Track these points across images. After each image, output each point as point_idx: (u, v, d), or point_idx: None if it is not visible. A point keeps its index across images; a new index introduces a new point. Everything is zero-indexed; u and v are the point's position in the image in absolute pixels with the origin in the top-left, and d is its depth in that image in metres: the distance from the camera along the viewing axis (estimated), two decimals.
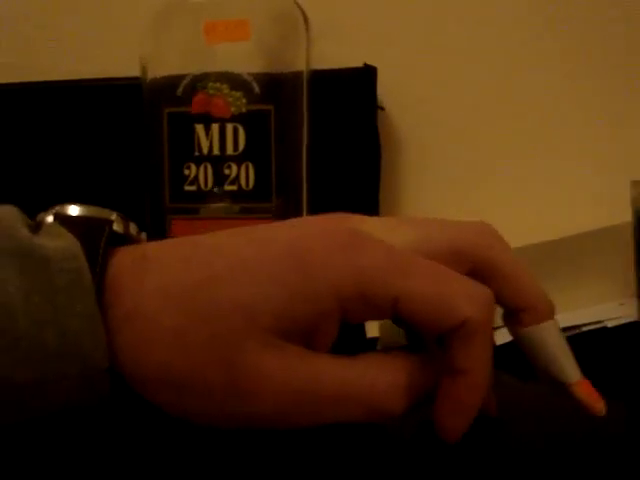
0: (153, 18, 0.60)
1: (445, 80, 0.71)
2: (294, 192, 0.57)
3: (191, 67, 0.57)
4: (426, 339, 0.29)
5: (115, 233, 0.30)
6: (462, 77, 0.71)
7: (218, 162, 0.55)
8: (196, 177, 0.56)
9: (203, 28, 0.56)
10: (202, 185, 0.56)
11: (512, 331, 0.30)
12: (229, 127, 0.55)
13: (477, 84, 0.71)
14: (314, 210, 0.60)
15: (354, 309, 0.26)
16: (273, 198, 0.56)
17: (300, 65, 0.58)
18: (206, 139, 0.55)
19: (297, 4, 0.59)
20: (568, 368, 0.29)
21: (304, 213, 0.57)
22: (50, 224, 0.29)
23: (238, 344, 0.26)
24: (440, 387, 0.27)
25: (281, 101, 0.56)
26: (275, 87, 0.56)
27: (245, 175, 0.55)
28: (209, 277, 0.27)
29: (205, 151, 0.56)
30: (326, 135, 0.65)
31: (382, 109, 0.68)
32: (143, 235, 0.32)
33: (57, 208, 0.30)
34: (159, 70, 0.58)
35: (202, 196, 0.56)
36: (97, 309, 0.27)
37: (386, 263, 0.26)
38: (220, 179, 0.55)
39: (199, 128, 0.56)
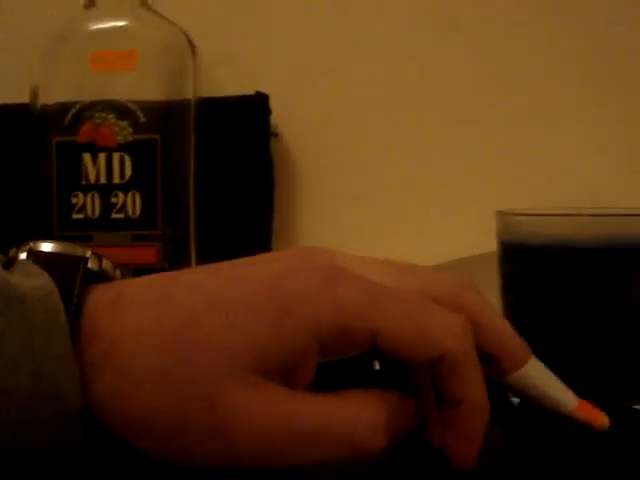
0: (44, 46, 0.60)
1: (339, 103, 0.74)
2: (182, 219, 0.58)
3: (79, 96, 0.57)
4: (406, 370, 0.30)
5: (90, 270, 0.29)
6: (356, 101, 0.73)
7: (105, 191, 0.56)
8: (84, 205, 0.56)
9: (90, 58, 0.57)
10: (90, 213, 0.56)
11: (497, 380, 0.30)
12: (115, 156, 0.56)
13: (371, 107, 0.73)
14: (204, 237, 0.62)
15: (333, 344, 0.26)
16: (159, 225, 0.56)
17: (187, 94, 0.59)
18: (93, 168, 0.56)
19: (185, 34, 0.60)
20: (562, 398, 0.30)
21: (192, 240, 0.58)
22: (24, 261, 0.28)
23: (220, 384, 0.26)
24: (445, 418, 0.28)
25: (168, 130, 0.57)
26: (161, 116, 0.57)
27: (132, 203, 0.56)
28: (188, 317, 0.26)
29: (92, 180, 0.56)
30: (220, 163, 0.66)
31: (275, 135, 0.69)
32: (118, 272, 0.32)
33: (30, 244, 0.29)
34: (48, 98, 0.59)
35: (90, 224, 0.56)
36: (72, 350, 0.26)
37: (364, 298, 0.26)
38: (107, 208, 0.56)
39: (86, 157, 0.56)
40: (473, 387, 0.27)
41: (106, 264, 0.31)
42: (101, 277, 0.30)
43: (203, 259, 0.60)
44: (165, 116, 0.58)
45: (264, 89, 0.69)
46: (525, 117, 0.72)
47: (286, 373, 0.26)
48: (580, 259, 0.35)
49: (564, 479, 0.31)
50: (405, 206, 0.71)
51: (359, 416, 0.26)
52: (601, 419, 0.30)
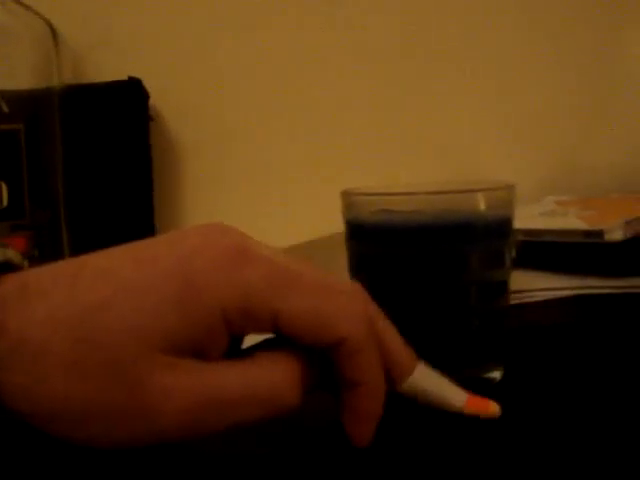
0: None
1: (215, 84, 0.75)
2: (51, 206, 0.59)
3: None
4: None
5: None
6: (233, 81, 0.74)
7: None
8: None
9: None
10: None
11: (392, 390, 0.31)
12: None
13: (250, 87, 0.75)
14: (84, 223, 0.62)
15: (238, 323, 0.27)
16: (27, 214, 0.57)
17: (52, 82, 0.59)
18: None
19: (47, 22, 0.60)
20: (452, 397, 0.31)
21: (63, 226, 0.59)
22: None
23: (133, 367, 0.26)
24: (342, 399, 0.28)
25: (32, 119, 0.57)
26: (25, 105, 0.57)
27: None
28: (97, 302, 0.26)
29: None
30: (99, 148, 0.67)
31: (152, 119, 0.70)
32: (25, 262, 0.32)
33: None
34: None
35: None
36: None
37: (268, 279, 0.27)
38: None
39: None
40: (370, 371, 0.28)
41: (11, 253, 0.31)
42: (9, 267, 0.30)
43: (81, 245, 0.61)
44: (29, 105, 0.58)
45: (143, 74, 0.69)
46: (396, 96, 0.75)
47: (198, 349, 0.27)
48: (417, 236, 0.36)
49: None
50: (269, 188, 0.73)
51: (273, 376, 0.27)
52: (491, 408, 0.31)
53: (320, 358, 0.28)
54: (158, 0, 0.74)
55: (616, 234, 0.47)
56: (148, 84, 0.70)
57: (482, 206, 0.37)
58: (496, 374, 0.37)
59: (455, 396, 0.31)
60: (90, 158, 0.66)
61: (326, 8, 0.74)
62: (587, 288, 0.48)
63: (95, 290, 0.27)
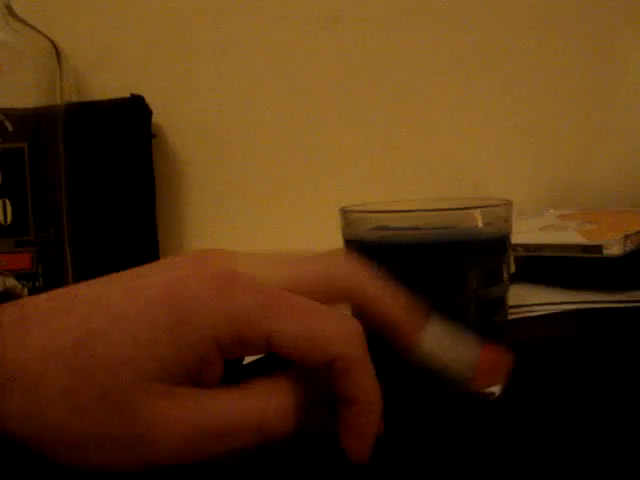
0: None
1: (217, 100, 0.75)
2: (55, 223, 0.59)
3: None
4: None
5: None
6: (235, 96, 0.75)
7: None
8: None
9: None
10: None
11: (408, 361, 0.31)
12: None
13: (251, 103, 0.75)
14: (88, 241, 0.63)
15: (231, 349, 0.27)
16: (31, 231, 0.57)
17: (55, 100, 0.60)
18: None
19: (51, 41, 0.61)
20: (460, 367, 0.31)
21: (66, 242, 0.59)
22: None
23: (128, 396, 0.26)
24: (339, 416, 0.29)
25: (36, 137, 0.58)
26: (29, 124, 0.58)
27: (3, 211, 0.57)
28: (89, 333, 0.27)
29: None
30: (102, 166, 0.67)
31: (154, 136, 0.71)
32: (25, 290, 0.32)
33: None
34: None
35: None
36: None
37: (259, 305, 0.27)
38: None
39: None
40: (365, 388, 0.28)
41: (11, 283, 0.31)
42: (9, 296, 0.30)
43: (85, 262, 0.62)
44: (33, 124, 0.58)
45: (145, 91, 0.70)
46: (395, 112, 0.76)
47: (193, 375, 0.27)
48: (416, 254, 0.36)
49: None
50: (270, 204, 0.74)
51: (267, 404, 0.27)
52: (499, 379, 0.32)
53: (319, 375, 0.28)
54: (160, 18, 0.75)
55: (615, 249, 0.47)
56: (151, 101, 0.70)
57: (479, 223, 0.37)
58: (495, 389, 0.37)
59: (465, 367, 0.31)
60: (93, 175, 0.66)
61: (326, 24, 0.75)
62: (587, 303, 0.48)
63: (88, 320, 0.27)
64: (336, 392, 0.28)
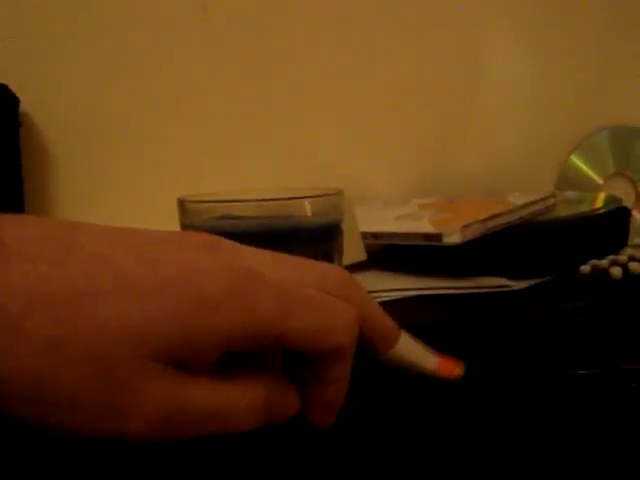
0: None
1: (83, 87, 0.74)
2: None
3: None
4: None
5: None
6: (97, 86, 0.74)
7: None
8: None
9: None
10: None
11: (374, 358, 0.34)
12: None
13: (116, 92, 0.75)
14: None
15: (239, 345, 0.27)
16: None
17: None
18: None
19: None
20: (426, 363, 0.34)
21: None
22: None
23: (121, 368, 0.25)
24: (310, 395, 0.31)
25: None
26: None
27: None
28: (92, 290, 0.25)
29: None
30: None
31: (21, 124, 0.69)
32: None
33: None
34: None
35: None
36: None
37: (276, 309, 0.27)
38: None
39: None
40: (347, 371, 0.30)
41: None
42: None
43: None
44: None
45: (10, 80, 0.68)
46: (264, 107, 0.77)
47: (188, 361, 0.27)
48: (245, 242, 0.37)
49: None
50: (133, 190, 0.74)
51: (240, 400, 0.28)
52: (457, 369, 0.35)
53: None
54: (24, 4, 0.73)
55: (454, 237, 0.49)
56: (18, 90, 0.69)
57: (308, 212, 0.39)
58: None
59: (429, 360, 0.35)
60: None
61: (198, 15, 0.75)
62: (430, 289, 0.50)
63: (91, 279, 0.25)
64: (321, 373, 0.30)
